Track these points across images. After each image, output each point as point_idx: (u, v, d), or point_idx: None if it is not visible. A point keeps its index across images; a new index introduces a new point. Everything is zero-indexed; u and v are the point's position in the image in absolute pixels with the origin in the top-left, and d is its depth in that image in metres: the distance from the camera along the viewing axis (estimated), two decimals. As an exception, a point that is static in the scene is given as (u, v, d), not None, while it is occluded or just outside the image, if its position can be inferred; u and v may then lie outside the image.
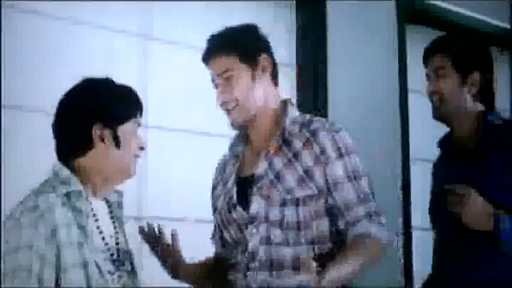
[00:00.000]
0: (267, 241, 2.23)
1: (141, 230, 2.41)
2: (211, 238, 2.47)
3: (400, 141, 3.90)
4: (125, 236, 2.17)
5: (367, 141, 3.69)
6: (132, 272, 2.14)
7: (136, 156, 2.13)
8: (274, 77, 2.37)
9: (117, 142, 2.08)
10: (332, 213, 2.26)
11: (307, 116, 2.37)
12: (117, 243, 2.11)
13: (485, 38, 4.17)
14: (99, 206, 2.10)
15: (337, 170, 2.25)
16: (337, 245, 2.26)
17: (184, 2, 3.36)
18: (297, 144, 2.28)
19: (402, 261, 2.82)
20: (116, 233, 2.13)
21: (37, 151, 2.82)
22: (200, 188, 3.21)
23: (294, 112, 2.36)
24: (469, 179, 2.51)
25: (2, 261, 1.90)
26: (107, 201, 2.16)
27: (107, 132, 2.07)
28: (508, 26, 4.66)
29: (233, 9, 3.35)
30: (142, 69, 3.25)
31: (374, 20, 3.91)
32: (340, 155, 2.26)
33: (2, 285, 1.89)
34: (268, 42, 2.39)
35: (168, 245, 2.41)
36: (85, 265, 1.95)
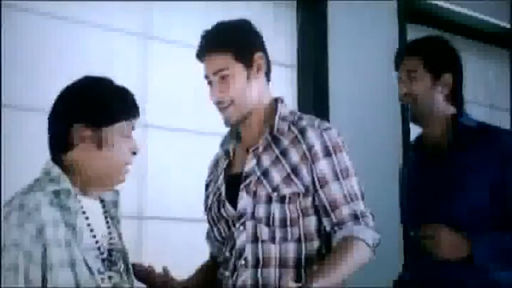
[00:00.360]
0: (254, 238, 2.23)
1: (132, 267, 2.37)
2: (206, 238, 2.47)
3: (401, 140, 3.90)
4: (120, 236, 2.15)
5: (368, 141, 3.69)
6: (127, 273, 2.13)
7: (127, 162, 2.07)
8: (267, 74, 2.36)
9: (99, 143, 2.04)
10: (318, 211, 2.26)
11: (297, 114, 2.36)
12: (110, 243, 2.09)
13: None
14: (91, 205, 2.07)
15: (324, 168, 2.24)
16: (324, 242, 2.26)
17: (184, 2, 3.36)
18: (285, 141, 2.28)
19: (402, 259, 2.82)
20: (110, 232, 2.10)
21: (37, 151, 2.81)
22: (200, 188, 3.22)
23: (284, 110, 2.35)
24: (441, 180, 2.54)
25: None
26: (102, 201, 2.14)
27: (89, 133, 2.03)
28: (508, 26, 4.66)
29: (233, 8, 3.35)
30: (142, 69, 3.25)
31: (375, 19, 3.91)
32: (328, 154, 2.25)
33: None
34: (262, 38, 2.38)
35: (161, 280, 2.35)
36: (73, 264, 1.94)
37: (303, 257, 2.23)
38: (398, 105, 3.79)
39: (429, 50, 2.65)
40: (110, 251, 2.08)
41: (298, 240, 2.24)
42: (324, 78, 3.72)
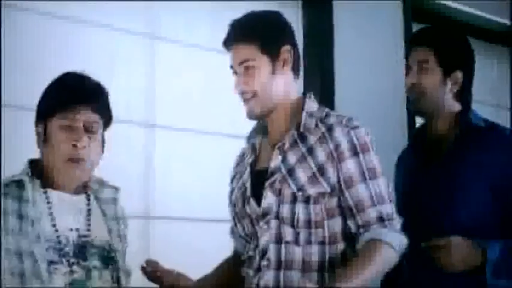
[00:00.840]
0: (278, 239, 2.19)
1: (143, 268, 2.33)
2: (230, 234, 2.43)
3: (407, 140, 3.89)
4: (110, 232, 2.14)
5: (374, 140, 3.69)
6: (111, 268, 2.10)
7: (68, 155, 2.05)
8: (296, 69, 2.31)
9: (44, 139, 2.07)
10: (344, 213, 2.20)
11: (325, 110, 2.30)
12: (83, 238, 2.06)
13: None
14: (65, 198, 2.08)
15: (351, 168, 2.18)
16: (349, 245, 2.21)
17: (190, 1, 3.36)
18: (312, 139, 2.22)
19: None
20: (88, 227, 2.08)
21: (37, 150, 2.82)
22: (207, 188, 3.23)
23: (311, 106, 2.30)
24: (442, 180, 2.49)
25: None
26: (88, 196, 2.13)
27: (39, 129, 2.08)
28: (508, 22, 4.63)
29: (239, 8, 3.34)
30: (149, 69, 3.25)
31: (381, 19, 3.91)
32: (355, 153, 2.19)
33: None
34: (292, 32, 2.33)
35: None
36: (20, 253, 1.95)
37: (326, 260, 2.18)
38: (405, 103, 3.78)
39: (444, 43, 2.57)
40: (81, 245, 2.06)
41: (322, 243, 2.18)
42: (329, 77, 3.71)
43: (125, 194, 2.67)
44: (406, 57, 2.63)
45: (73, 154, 2.05)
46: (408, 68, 2.61)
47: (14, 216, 1.98)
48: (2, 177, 2.64)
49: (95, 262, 2.07)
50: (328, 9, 3.74)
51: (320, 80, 3.72)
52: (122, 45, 3.19)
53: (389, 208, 2.19)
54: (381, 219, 2.17)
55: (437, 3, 4.26)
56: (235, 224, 2.33)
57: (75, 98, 2.07)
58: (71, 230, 2.06)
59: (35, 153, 2.75)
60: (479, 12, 4.45)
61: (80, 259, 2.05)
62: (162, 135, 3.24)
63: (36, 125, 2.10)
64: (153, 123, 3.21)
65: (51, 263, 1.99)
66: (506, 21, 4.59)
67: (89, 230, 2.09)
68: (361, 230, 2.17)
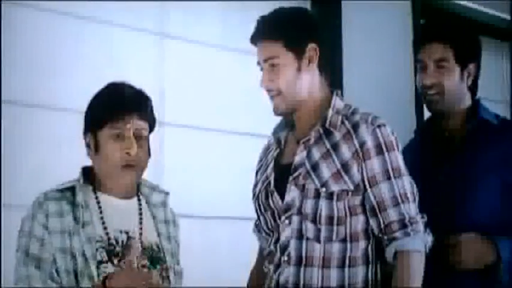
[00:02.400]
0: (299, 235, 2.19)
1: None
2: (254, 230, 2.44)
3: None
4: (160, 235, 2.22)
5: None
6: (160, 268, 2.17)
7: (120, 162, 2.15)
8: (323, 65, 2.31)
9: (96, 148, 2.16)
10: (366, 211, 2.20)
11: (352, 108, 2.30)
12: (133, 238, 2.15)
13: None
14: (116, 203, 2.19)
15: (375, 166, 2.18)
16: (371, 244, 2.21)
17: (200, 1, 3.36)
18: (337, 135, 2.22)
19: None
20: (140, 228, 2.18)
21: (37, 147, 2.84)
22: (217, 185, 3.23)
23: (339, 103, 2.29)
24: (458, 177, 2.47)
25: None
26: (139, 200, 2.24)
27: (89, 138, 2.18)
28: (508, 17, 4.62)
29: (250, 6, 3.35)
30: (158, 67, 3.26)
31: (389, 18, 3.91)
32: (380, 152, 2.19)
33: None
34: (318, 29, 2.33)
35: None
36: (72, 252, 2.07)
37: (347, 257, 2.18)
38: (413, 102, 3.79)
39: (459, 38, 2.53)
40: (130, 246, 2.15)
41: (344, 240, 2.18)
42: (337, 76, 3.72)
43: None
44: (416, 52, 2.58)
45: (126, 161, 2.15)
46: (423, 66, 2.55)
47: (69, 218, 2.11)
48: (2, 174, 2.68)
49: (144, 262, 2.14)
50: (336, 8, 3.74)
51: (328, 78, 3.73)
52: (132, 43, 3.19)
53: (412, 209, 2.19)
54: (403, 224, 2.16)
55: (446, 2, 4.26)
56: (258, 217, 2.34)
57: (124, 108, 2.15)
58: (121, 232, 2.15)
59: (35, 150, 2.78)
60: (492, 12, 4.44)
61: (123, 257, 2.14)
62: (171, 133, 3.25)
63: (85, 136, 2.20)
64: (162, 121, 3.22)
65: (100, 262, 2.08)
66: (506, 16, 4.58)
67: (140, 233, 2.17)
68: (385, 238, 2.18)
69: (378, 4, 3.83)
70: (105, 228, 2.13)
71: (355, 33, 3.74)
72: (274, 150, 2.35)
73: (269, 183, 2.28)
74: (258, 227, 2.40)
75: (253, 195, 2.36)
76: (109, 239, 2.12)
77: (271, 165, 2.31)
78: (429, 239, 2.20)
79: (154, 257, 2.17)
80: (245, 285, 2.43)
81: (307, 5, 3.79)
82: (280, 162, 2.31)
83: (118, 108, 2.15)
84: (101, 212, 2.15)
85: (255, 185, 2.36)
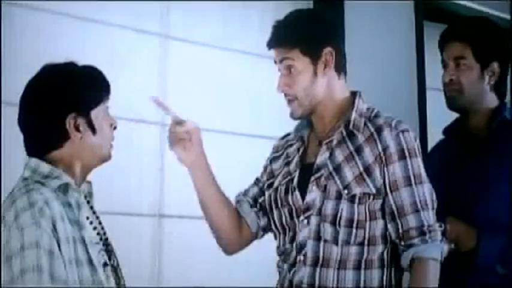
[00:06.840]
0: (317, 236, 2.19)
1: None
2: (240, 195, 2.42)
3: (418, 137, 3.88)
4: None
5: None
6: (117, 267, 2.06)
7: (112, 139, 2.07)
8: (341, 68, 2.30)
9: (93, 129, 2.02)
10: (385, 216, 2.20)
11: (374, 110, 2.30)
12: (104, 233, 2.05)
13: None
14: (82, 198, 2.02)
15: (397, 172, 2.19)
16: (388, 248, 2.22)
17: (202, 1, 3.37)
18: (361, 138, 2.22)
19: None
20: (100, 223, 2.05)
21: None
22: (220, 186, 3.23)
23: (361, 105, 2.30)
24: (479, 175, 2.50)
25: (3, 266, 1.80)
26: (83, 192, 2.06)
27: (82, 121, 2.01)
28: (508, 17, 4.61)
29: (252, 8, 3.36)
30: (162, 68, 3.26)
31: (392, 18, 3.91)
32: (402, 157, 2.19)
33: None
34: (334, 31, 2.34)
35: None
36: (77, 261, 1.89)
37: (363, 259, 2.19)
38: (416, 103, 3.78)
39: (478, 36, 2.55)
40: (107, 244, 2.05)
41: (361, 244, 2.19)
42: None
43: (138, 192, 2.70)
44: (441, 52, 2.61)
45: (113, 137, 2.10)
46: (445, 65, 2.59)
47: (67, 222, 1.92)
48: (2, 175, 2.68)
49: (113, 259, 2.06)
50: (339, 8, 3.75)
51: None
52: (134, 44, 3.20)
53: (431, 217, 2.20)
54: (421, 232, 2.17)
55: (449, 2, 4.26)
56: (271, 210, 2.32)
57: (108, 86, 2.10)
58: (95, 228, 2.03)
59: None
60: (497, 13, 4.43)
61: (113, 256, 2.05)
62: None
63: (65, 122, 2.00)
64: (165, 123, 3.22)
65: (105, 265, 1.98)
66: (507, 16, 4.57)
67: (100, 223, 2.07)
68: (403, 243, 2.19)
69: (380, 4, 3.83)
70: (94, 228, 2.01)
71: (357, 32, 3.74)
72: (298, 147, 2.34)
73: (292, 179, 2.28)
74: (245, 195, 2.39)
75: (267, 185, 2.35)
76: (101, 239, 2.02)
77: (296, 161, 2.31)
78: (445, 248, 2.22)
79: (113, 252, 2.06)
80: (246, 284, 2.43)
81: (310, 5, 3.81)
82: (302, 161, 2.30)
83: (106, 83, 2.09)
84: (94, 212, 2.04)
85: (271, 175, 2.35)
